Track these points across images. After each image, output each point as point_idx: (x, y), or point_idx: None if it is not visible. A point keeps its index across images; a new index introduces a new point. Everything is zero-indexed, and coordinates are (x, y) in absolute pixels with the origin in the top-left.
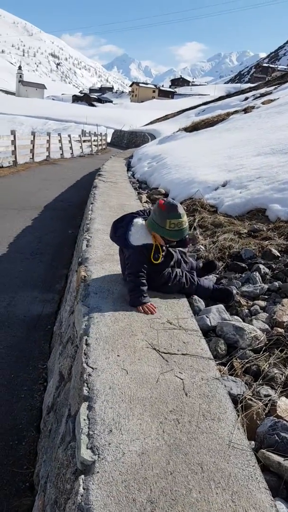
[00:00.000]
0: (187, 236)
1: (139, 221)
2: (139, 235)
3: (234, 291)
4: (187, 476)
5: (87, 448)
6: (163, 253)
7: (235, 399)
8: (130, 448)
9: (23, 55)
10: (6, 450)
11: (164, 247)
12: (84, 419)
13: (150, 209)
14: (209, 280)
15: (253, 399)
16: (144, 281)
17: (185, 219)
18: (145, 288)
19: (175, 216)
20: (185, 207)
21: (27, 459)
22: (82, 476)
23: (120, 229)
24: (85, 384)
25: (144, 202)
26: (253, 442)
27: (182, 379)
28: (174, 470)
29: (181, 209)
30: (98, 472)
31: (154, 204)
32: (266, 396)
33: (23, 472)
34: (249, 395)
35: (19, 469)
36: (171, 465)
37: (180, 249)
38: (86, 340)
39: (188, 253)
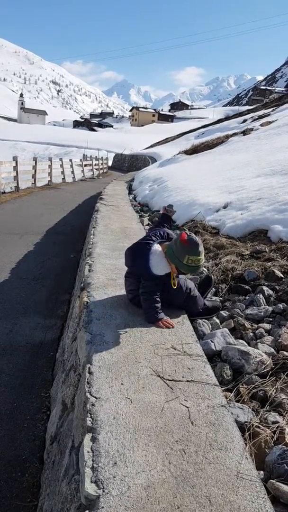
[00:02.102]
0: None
1: (157, 249)
2: (161, 265)
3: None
4: (195, 510)
5: (92, 481)
6: (177, 279)
7: (242, 427)
8: (136, 481)
9: (25, 83)
10: (9, 482)
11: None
12: (88, 451)
13: (163, 231)
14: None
15: (260, 426)
16: (158, 299)
17: (202, 256)
18: (159, 305)
19: (194, 253)
20: (187, 229)
21: (30, 492)
22: (87, 511)
23: (139, 259)
24: (89, 415)
25: (146, 225)
26: (262, 472)
27: (187, 407)
28: (181, 503)
29: (201, 247)
30: (103, 507)
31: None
32: (274, 423)
33: (27, 505)
34: (257, 422)
35: (23, 502)
36: (178, 498)
37: None
38: (89, 368)
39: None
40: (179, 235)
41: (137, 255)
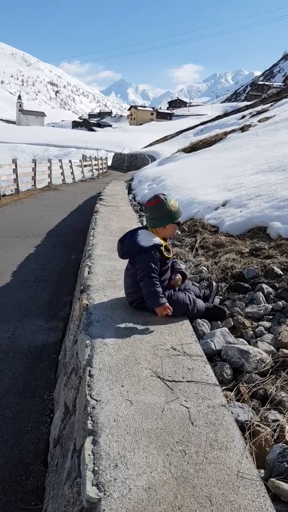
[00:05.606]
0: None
1: (142, 230)
2: (147, 237)
3: (227, 312)
4: (196, 510)
5: (93, 485)
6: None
7: (242, 426)
8: (137, 483)
9: (22, 85)
10: (14, 486)
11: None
12: (89, 454)
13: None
14: (201, 300)
15: (261, 425)
16: (158, 282)
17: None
18: (160, 289)
19: (168, 199)
20: (187, 228)
21: (35, 495)
22: None
23: (127, 240)
24: (89, 418)
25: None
26: (262, 471)
27: (187, 407)
28: (182, 504)
29: None
30: (104, 510)
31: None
32: (274, 421)
33: (32, 509)
34: (257, 421)
35: (27, 506)
36: (179, 499)
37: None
38: (89, 371)
39: (189, 275)
40: (146, 206)
41: (125, 238)
